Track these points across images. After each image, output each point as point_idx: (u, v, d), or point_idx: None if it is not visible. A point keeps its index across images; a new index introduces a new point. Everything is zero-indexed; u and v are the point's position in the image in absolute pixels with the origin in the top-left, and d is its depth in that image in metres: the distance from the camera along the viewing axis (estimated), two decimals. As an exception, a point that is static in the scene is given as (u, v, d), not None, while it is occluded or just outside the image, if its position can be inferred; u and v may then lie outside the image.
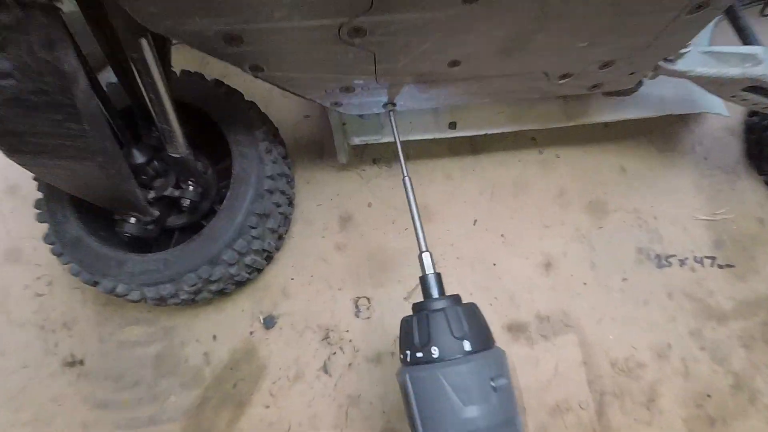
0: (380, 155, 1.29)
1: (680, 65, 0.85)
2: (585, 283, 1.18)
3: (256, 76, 0.74)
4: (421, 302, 0.75)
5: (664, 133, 1.31)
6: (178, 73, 1.04)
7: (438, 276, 0.76)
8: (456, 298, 0.74)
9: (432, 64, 0.75)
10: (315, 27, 0.63)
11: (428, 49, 0.71)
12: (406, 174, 0.82)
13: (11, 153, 0.73)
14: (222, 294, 1.12)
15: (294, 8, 0.59)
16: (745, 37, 0.90)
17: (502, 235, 1.22)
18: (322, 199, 1.26)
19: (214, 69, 1.37)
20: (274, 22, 0.61)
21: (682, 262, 1.19)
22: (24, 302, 1.18)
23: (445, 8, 0.62)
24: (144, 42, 0.67)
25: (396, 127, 0.84)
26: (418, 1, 0.60)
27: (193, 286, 0.95)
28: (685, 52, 0.83)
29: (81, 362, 1.13)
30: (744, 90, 0.87)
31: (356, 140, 1.08)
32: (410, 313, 0.77)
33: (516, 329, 1.14)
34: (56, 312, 1.17)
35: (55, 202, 0.95)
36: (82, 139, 0.69)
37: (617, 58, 0.80)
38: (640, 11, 0.67)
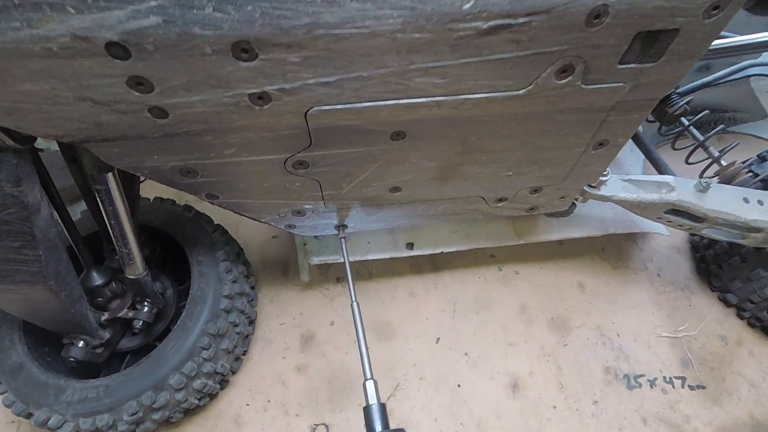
0: (344, 274, 1.33)
1: (604, 191, 0.94)
2: (555, 407, 1.12)
3: (212, 203, 0.81)
4: None
5: (616, 250, 1.37)
6: (151, 199, 1.13)
7: (382, 407, 0.73)
8: None
9: (374, 190, 0.83)
10: (262, 161, 0.72)
11: (368, 177, 0.79)
12: (354, 299, 0.84)
13: (-37, 276, 0.75)
14: (168, 424, 1.05)
15: (241, 147, 0.68)
16: (659, 167, 1.01)
17: (465, 354, 1.20)
18: (285, 317, 1.25)
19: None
20: (225, 158, 0.70)
21: (651, 383, 1.16)
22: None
23: (377, 144, 0.71)
24: (110, 176, 0.74)
25: (347, 253, 0.90)
26: (351, 139, 0.69)
27: (133, 415, 0.89)
28: (606, 179, 0.93)
29: None
30: (667, 213, 0.96)
31: (315, 260, 1.12)
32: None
33: (486, 461, 1.06)
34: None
35: (4, 327, 0.94)
36: (35, 264, 0.72)
37: (544, 185, 0.89)
38: (549, 147, 0.77)
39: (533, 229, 1.18)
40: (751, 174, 1.00)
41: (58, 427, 0.88)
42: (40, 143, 0.97)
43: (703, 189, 0.92)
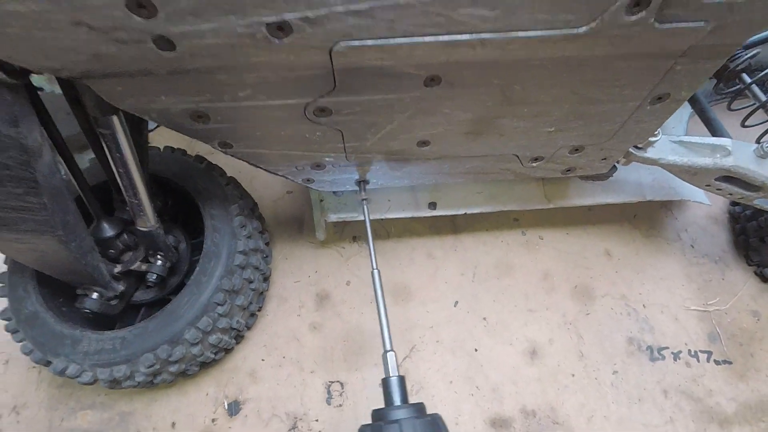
0: (360, 233, 1.28)
1: (651, 153, 0.85)
2: (573, 375, 1.09)
3: (225, 152, 0.75)
4: (380, 409, 0.68)
5: (649, 218, 1.30)
6: (161, 148, 1.07)
7: (401, 380, 0.70)
8: (419, 408, 0.68)
9: (401, 143, 0.76)
10: (280, 106, 0.65)
11: (395, 128, 0.72)
12: (375, 267, 0.79)
13: (-34, 223, 0.71)
14: (184, 375, 1.04)
15: (258, 88, 0.61)
16: (714, 129, 0.92)
17: (484, 319, 1.16)
18: (299, 275, 1.22)
19: (203, 145, 1.40)
20: (239, 101, 0.63)
21: (675, 356, 1.11)
22: (-29, 380, 1.10)
23: (408, 91, 0.64)
24: (114, 119, 0.68)
25: (368, 217, 0.84)
26: (380, 84, 0.62)
27: (150, 367, 0.88)
28: (656, 141, 0.84)
29: (22, 451, 1.03)
30: (717, 180, 0.87)
31: (333, 217, 1.07)
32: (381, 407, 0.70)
33: (500, 425, 1.04)
34: (7, 394, 1.08)
35: (17, 276, 0.92)
36: (41, 213, 0.68)
37: (586, 144, 0.81)
38: (602, 100, 0.68)
39: (564, 192, 1.10)
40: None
41: (77, 376, 0.87)
42: (41, 82, 0.91)
43: (765, 155, 0.83)
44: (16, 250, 0.78)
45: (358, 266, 1.23)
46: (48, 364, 0.89)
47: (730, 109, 0.97)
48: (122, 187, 0.79)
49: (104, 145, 0.72)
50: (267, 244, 1.12)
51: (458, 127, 0.73)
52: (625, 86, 0.64)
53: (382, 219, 1.13)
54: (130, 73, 0.55)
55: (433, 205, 1.09)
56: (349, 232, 1.28)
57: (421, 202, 1.10)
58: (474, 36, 0.53)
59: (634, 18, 0.52)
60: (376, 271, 0.78)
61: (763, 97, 0.94)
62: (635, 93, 0.67)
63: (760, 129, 0.98)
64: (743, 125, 0.98)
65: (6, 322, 0.92)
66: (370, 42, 0.53)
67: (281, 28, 0.50)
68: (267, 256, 1.12)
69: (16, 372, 1.12)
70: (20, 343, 0.91)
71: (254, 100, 0.62)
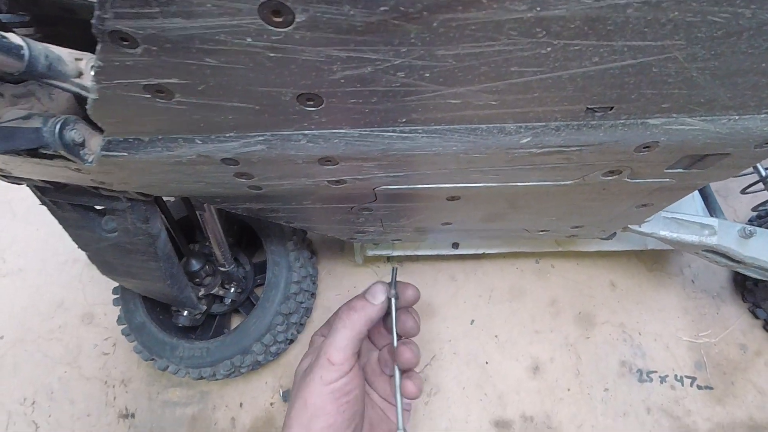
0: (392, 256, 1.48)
1: (645, 228, 0.99)
2: (569, 390, 1.30)
3: (287, 225, 0.96)
4: None
5: (654, 253, 1.42)
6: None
7: None
8: None
9: (428, 224, 0.94)
10: (333, 208, 0.84)
11: (424, 217, 0.90)
12: (395, 371, 0.94)
13: (105, 273, 0.97)
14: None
15: (316, 201, 0.80)
16: (708, 204, 1.03)
17: (496, 336, 1.37)
18: (340, 289, 1.45)
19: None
20: (303, 205, 0.83)
21: (662, 379, 1.29)
22: (93, 359, 1.42)
23: (434, 202, 0.81)
24: (209, 206, 0.90)
25: (395, 313, 0.97)
26: (412, 200, 0.79)
27: (227, 370, 1.16)
28: (648, 219, 0.98)
29: (132, 416, 1.36)
30: (705, 251, 1.01)
31: (370, 253, 1.28)
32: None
33: (502, 426, 1.27)
34: (117, 370, 1.41)
35: (129, 293, 1.19)
36: (157, 272, 0.92)
37: (586, 224, 0.96)
38: (593, 206, 0.83)
39: (573, 240, 1.25)
40: (803, 219, 1.01)
41: (174, 373, 1.16)
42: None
43: (747, 236, 0.95)
44: (133, 285, 1.04)
45: (390, 284, 1.44)
46: (153, 361, 1.18)
47: (743, 192, 1.07)
48: (215, 250, 1.02)
49: (200, 219, 0.95)
50: (314, 267, 1.35)
51: (475, 217, 0.90)
52: (611, 203, 0.79)
53: (412, 255, 1.32)
54: (227, 199, 0.76)
55: (456, 245, 1.27)
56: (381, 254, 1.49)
57: (446, 242, 1.28)
58: (484, 184, 0.70)
59: (609, 179, 0.67)
60: (397, 372, 0.94)
61: (763, 173, 1.04)
62: (621, 205, 0.81)
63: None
64: (742, 192, 1.08)
65: (121, 327, 1.21)
66: (404, 187, 0.71)
67: (339, 182, 0.69)
68: (315, 278, 1.35)
69: (122, 353, 1.44)
70: (133, 344, 1.20)
71: (313, 205, 0.82)
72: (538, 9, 0.36)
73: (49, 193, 0.79)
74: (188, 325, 1.17)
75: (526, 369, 1.33)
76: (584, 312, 1.38)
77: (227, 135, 0.56)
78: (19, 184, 0.79)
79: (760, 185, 1.05)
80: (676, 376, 1.30)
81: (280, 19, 0.37)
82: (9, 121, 0.55)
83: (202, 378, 1.18)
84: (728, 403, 1.27)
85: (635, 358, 1.32)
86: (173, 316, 1.18)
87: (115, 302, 1.22)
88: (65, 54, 0.52)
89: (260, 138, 0.57)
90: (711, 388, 1.28)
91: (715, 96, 0.49)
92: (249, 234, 1.33)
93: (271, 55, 0.41)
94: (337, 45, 0.40)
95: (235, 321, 1.40)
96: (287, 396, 1.36)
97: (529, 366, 1.33)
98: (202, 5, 0.36)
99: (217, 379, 1.21)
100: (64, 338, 1.46)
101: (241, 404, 1.36)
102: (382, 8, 0.36)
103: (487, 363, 1.34)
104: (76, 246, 0.92)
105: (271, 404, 1.35)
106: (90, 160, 0.59)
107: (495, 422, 1.28)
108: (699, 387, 1.28)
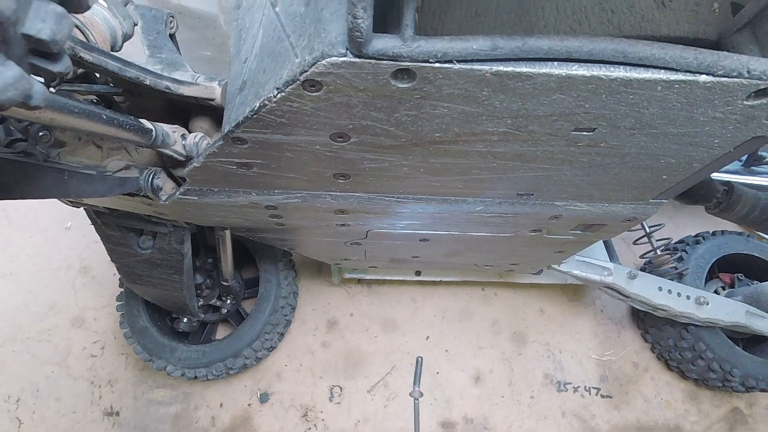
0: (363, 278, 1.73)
1: (563, 267, 1.31)
2: (503, 396, 1.58)
3: (288, 250, 1.18)
4: None
5: (574, 287, 1.77)
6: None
7: None
8: None
9: (402, 256, 1.21)
10: (331, 241, 1.08)
11: (400, 252, 1.17)
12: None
13: (130, 283, 1.15)
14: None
15: (321, 233, 1.04)
16: (609, 252, 1.38)
17: (446, 350, 1.63)
18: (316, 305, 1.67)
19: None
20: (309, 237, 1.06)
21: (575, 389, 1.61)
22: (81, 360, 1.54)
23: (409, 242, 1.07)
24: (227, 232, 1.11)
25: (418, 417, 1.22)
26: (393, 237, 1.05)
27: (219, 371, 1.34)
28: (566, 260, 1.30)
29: (117, 413, 1.49)
30: (605, 287, 1.34)
31: (347, 275, 1.52)
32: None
33: (447, 426, 1.53)
34: (104, 371, 1.53)
35: (132, 299, 1.35)
36: (178, 283, 1.11)
37: (520, 263, 1.26)
38: (524, 251, 1.13)
39: (512, 274, 1.56)
40: (673, 267, 1.37)
41: (171, 373, 1.33)
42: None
43: (632, 277, 1.29)
44: (150, 293, 1.22)
45: (360, 303, 1.68)
46: (151, 362, 1.34)
47: (634, 244, 1.42)
48: (220, 264, 1.22)
49: (217, 240, 1.15)
50: (296, 285, 1.57)
51: (439, 253, 1.17)
52: (537, 249, 1.09)
53: (380, 279, 1.58)
54: (252, 230, 0.98)
55: (418, 273, 1.54)
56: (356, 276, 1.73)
57: (410, 270, 1.55)
58: (448, 232, 0.97)
59: (534, 234, 0.96)
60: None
61: (647, 229, 1.39)
62: (543, 251, 1.12)
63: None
64: (634, 243, 1.44)
65: (124, 330, 1.36)
66: (390, 231, 0.97)
67: (343, 225, 0.94)
68: (296, 294, 1.56)
69: (110, 356, 1.57)
70: (133, 345, 1.35)
71: (317, 237, 1.06)
72: (489, 147, 0.65)
73: (103, 216, 0.98)
74: (187, 331, 1.35)
75: (469, 378, 1.60)
76: (518, 332, 1.68)
77: (275, 191, 0.80)
78: (77, 207, 0.97)
79: (645, 238, 1.40)
80: (585, 386, 1.62)
81: (342, 140, 0.63)
82: (116, 171, 0.76)
83: (196, 378, 1.35)
84: (623, 409, 1.60)
85: (556, 372, 1.63)
86: (174, 322, 1.35)
87: (119, 308, 1.37)
88: (168, 129, 0.74)
89: (299, 195, 0.81)
90: (611, 397, 1.61)
91: (592, 193, 0.79)
92: (241, 253, 1.52)
93: (329, 154, 0.67)
94: (371, 153, 0.66)
95: (221, 330, 1.58)
96: (265, 398, 1.54)
97: (473, 376, 1.60)
98: (298, 133, 0.61)
99: (209, 379, 1.38)
100: (54, 340, 1.56)
101: (221, 404, 1.52)
102: (402, 140, 0.63)
103: (438, 373, 1.60)
104: (109, 259, 1.10)
105: (249, 405, 1.53)
106: (164, 199, 0.80)
107: (442, 423, 1.53)
108: (602, 396, 1.61)
